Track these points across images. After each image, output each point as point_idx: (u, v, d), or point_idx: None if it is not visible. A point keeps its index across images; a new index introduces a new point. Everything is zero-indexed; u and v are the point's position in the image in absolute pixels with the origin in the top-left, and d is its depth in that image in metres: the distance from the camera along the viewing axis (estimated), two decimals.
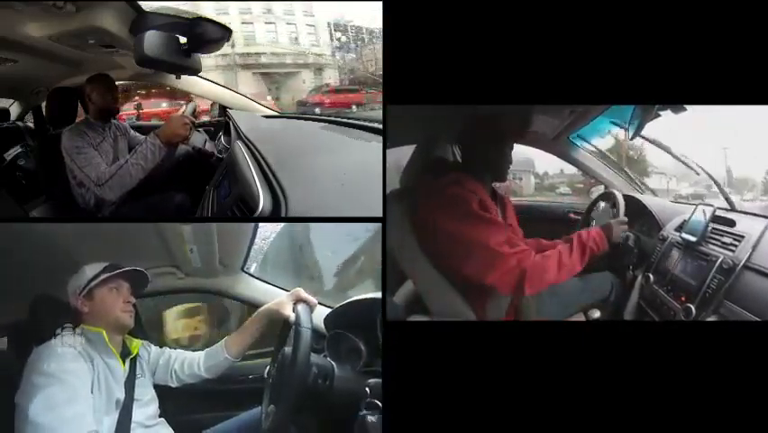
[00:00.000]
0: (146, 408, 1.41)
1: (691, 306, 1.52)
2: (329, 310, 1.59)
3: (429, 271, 1.57)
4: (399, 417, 1.34)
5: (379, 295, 1.48)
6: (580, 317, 1.73)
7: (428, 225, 1.55)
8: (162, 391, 1.53)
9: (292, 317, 1.40)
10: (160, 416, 1.48)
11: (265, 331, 1.58)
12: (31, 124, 3.45)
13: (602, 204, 2.25)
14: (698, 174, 2.26)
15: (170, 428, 1.47)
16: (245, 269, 2.14)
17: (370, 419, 1.17)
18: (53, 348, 1.29)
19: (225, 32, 1.57)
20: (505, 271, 1.44)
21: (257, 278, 2.16)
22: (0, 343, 1.64)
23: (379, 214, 1.15)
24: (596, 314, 1.69)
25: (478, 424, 1.35)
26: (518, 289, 1.44)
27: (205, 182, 2.09)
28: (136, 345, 1.48)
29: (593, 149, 2.50)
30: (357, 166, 1.36)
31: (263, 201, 1.11)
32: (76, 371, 1.26)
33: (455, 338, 1.38)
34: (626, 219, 1.80)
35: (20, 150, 3.16)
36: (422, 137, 1.79)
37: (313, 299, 1.48)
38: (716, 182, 2.05)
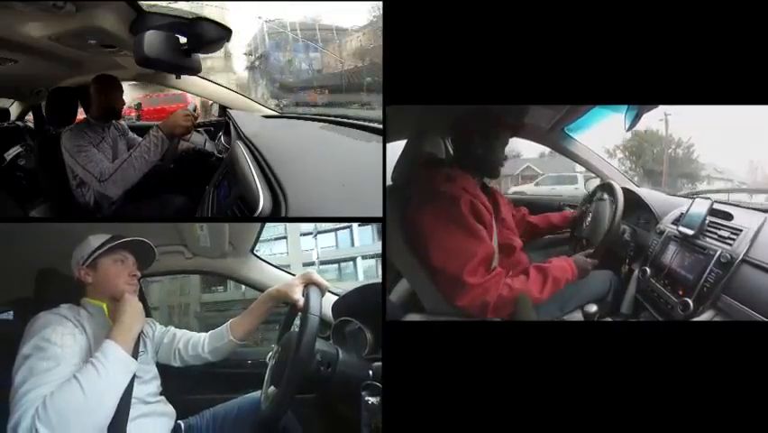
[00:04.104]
0: (147, 385, 1.38)
1: (689, 300, 1.52)
2: (336, 297, 1.59)
3: (418, 270, 1.57)
4: (399, 417, 1.34)
5: None
6: (578, 312, 1.74)
7: (415, 222, 1.56)
8: (162, 370, 1.52)
9: (301, 301, 1.37)
10: (161, 394, 1.45)
11: (271, 314, 1.55)
12: (31, 124, 3.47)
13: (600, 195, 2.26)
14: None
15: (171, 406, 1.46)
16: (254, 251, 2.15)
17: (371, 400, 1.16)
18: (43, 320, 1.25)
19: (225, 32, 1.58)
20: (469, 301, 1.46)
21: (265, 261, 2.17)
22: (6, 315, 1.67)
23: (379, 214, 1.15)
24: (593, 308, 1.68)
25: (477, 424, 1.36)
26: (482, 314, 1.46)
27: (205, 182, 2.10)
28: None
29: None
30: (357, 166, 1.36)
31: (263, 201, 1.12)
32: (62, 341, 1.21)
33: (454, 338, 1.39)
34: (596, 262, 1.81)
35: (20, 150, 3.17)
36: (412, 133, 1.79)
37: (325, 282, 1.43)
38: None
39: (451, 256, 1.48)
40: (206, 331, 1.61)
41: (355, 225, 9.16)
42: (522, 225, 2.17)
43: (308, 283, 1.41)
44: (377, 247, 9.14)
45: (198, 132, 2.53)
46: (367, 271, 9.07)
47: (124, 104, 2.28)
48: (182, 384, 1.64)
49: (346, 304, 1.55)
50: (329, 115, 2.38)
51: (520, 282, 1.52)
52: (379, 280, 1.50)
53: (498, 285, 1.47)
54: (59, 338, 1.22)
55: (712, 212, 1.71)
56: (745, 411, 1.33)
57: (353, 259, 9.35)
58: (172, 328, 1.60)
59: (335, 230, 9.44)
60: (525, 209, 2.25)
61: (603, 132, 2.48)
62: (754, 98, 1.38)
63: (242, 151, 1.58)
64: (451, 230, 1.49)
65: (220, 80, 2.99)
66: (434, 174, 1.59)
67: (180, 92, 5.05)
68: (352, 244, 9.52)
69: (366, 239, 9.43)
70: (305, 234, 8.71)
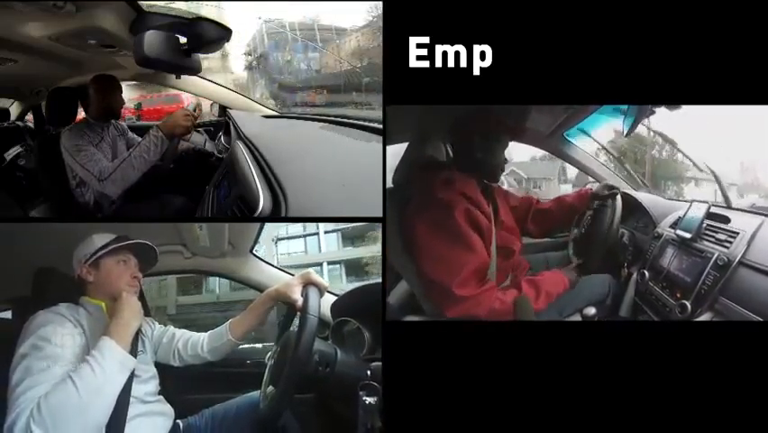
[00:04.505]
0: (146, 384, 1.38)
1: (686, 302, 1.53)
2: (335, 298, 1.60)
3: (413, 273, 1.56)
4: (399, 418, 1.34)
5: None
6: (576, 315, 1.73)
7: (411, 228, 1.54)
8: (161, 370, 1.51)
9: (300, 301, 1.36)
10: (159, 393, 1.45)
11: (270, 313, 1.55)
12: (31, 124, 3.47)
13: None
14: (701, 171, 2.22)
15: (169, 405, 1.45)
16: (253, 251, 2.15)
17: (367, 400, 1.17)
18: (41, 318, 1.25)
19: (225, 32, 1.58)
20: (460, 313, 1.44)
21: (264, 261, 2.17)
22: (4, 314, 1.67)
23: (379, 214, 1.15)
24: (591, 311, 1.68)
25: (477, 424, 1.36)
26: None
27: (205, 182, 2.10)
28: None
29: (597, 147, 2.50)
30: (357, 166, 1.36)
31: (263, 201, 1.12)
32: (61, 341, 1.21)
33: (454, 338, 1.38)
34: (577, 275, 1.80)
35: (20, 150, 3.17)
36: (414, 135, 1.79)
37: (324, 282, 1.42)
38: (718, 181, 2.03)
39: (442, 266, 1.46)
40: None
41: (322, 231, 9.31)
42: (530, 215, 2.09)
43: (307, 283, 1.40)
44: (341, 254, 9.42)
45: (198, 132, 2.53)
46: (333, 278, 9.20)
47: (123, 104, 2.28)
48: (181, 384, 1.65)
49: (345, 304, 1.55)
50: (329, 115, 2.38)
51: (512, 296, 1.50)
52: (357, 284, 1.51)
53: (489, 299, 1.45)
54: (58, 338, 1.21)
55: (709, 215, 1.72)
56: (744, 411, 1.33)
57: (320, 264, 9.44)
58: (171, 328, 1.59)
59: (305, 236, 9.53)
60: (533, 198, 2.17)
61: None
62: (744, 98, 1.38)
63: (242, 151, 1.58)
64: (443, 239, 1.47)
65: (219, 80, 2.99)
66: (433, 178, 1.58)
67: (177, 92, 5.06)
68: (320, 250, 9.61)
69: (332, 245, 9.56)
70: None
